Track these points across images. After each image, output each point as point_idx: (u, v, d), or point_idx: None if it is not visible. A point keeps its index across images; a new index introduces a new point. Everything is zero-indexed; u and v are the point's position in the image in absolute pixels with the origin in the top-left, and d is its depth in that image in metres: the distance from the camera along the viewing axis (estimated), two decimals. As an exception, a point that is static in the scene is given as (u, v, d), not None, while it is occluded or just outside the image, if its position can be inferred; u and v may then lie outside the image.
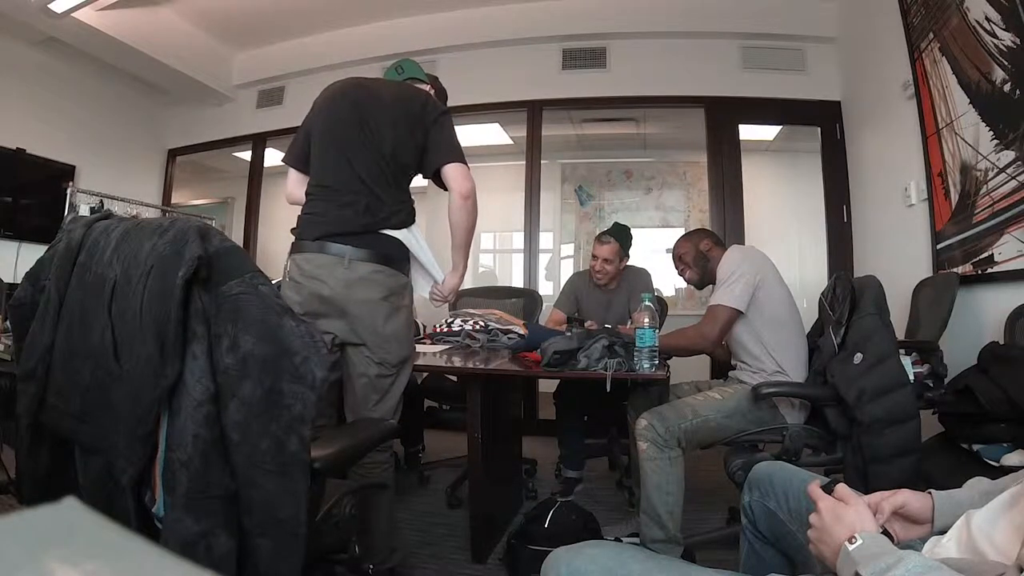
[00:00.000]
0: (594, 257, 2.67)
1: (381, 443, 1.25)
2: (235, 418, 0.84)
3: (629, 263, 2.77)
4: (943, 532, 0.77)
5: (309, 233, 1.56)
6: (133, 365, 0.85)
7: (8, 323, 1.07)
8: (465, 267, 1.79)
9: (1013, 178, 1.91)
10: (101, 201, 3.93)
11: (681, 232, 2.25)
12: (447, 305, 3.09)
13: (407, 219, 1.65)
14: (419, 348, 2.28)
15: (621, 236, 2.64)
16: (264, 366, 0.86)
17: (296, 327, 0.88)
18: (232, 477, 0.85)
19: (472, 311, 2.45)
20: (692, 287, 2.19)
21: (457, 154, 1.65)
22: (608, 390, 1.63)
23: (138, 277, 0.85)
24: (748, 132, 4.00)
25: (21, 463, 0.98)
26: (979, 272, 2.12)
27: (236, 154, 4.85)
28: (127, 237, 0.91)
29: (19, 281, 1.05)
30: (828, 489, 0.78)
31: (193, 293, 0.84)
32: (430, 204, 5.81)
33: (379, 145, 1.58)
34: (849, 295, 1.69)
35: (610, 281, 2.69)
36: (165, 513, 0.83)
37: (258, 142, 4.58)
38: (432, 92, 1.81)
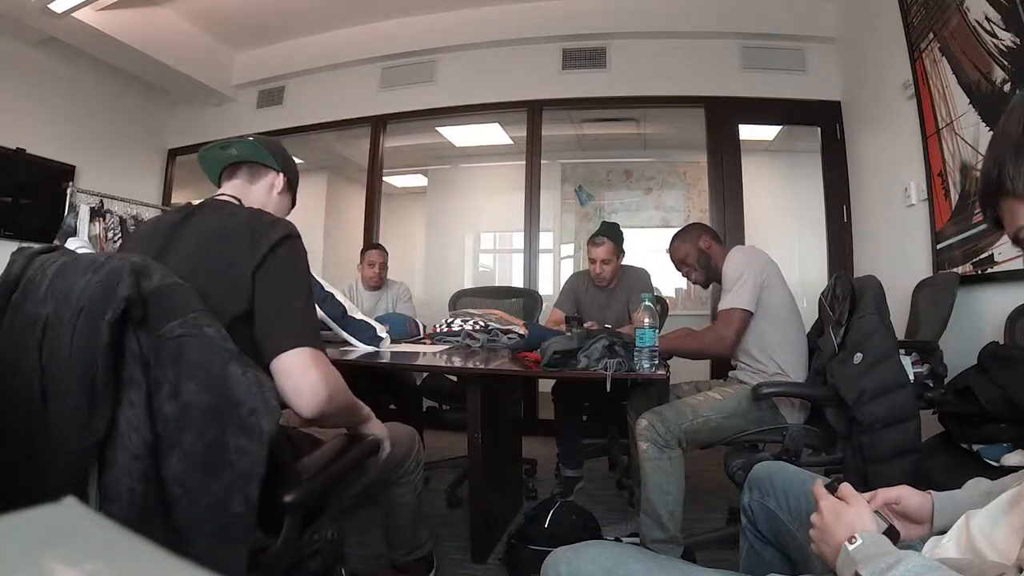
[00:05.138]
0: (592, 261, 2.66)
1: (363, 461, 1.14)
2: (177, 470, 0.77)
3: (628, 263, 2.77)
4: (943, 532, 0.77)
5: None
6: (61, 413, 0.77)
7: None
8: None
9: (1013, 178, 1.90)
10: (101, 201, 3.93)
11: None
12: (447, 304, 3.12)
13: None
14: (419, 348, 2.28)
15: (612, 234, 2.64)
16: (207, 416, 0.79)
17: (243, 375, 0.82)
18: (175, 533, 0.78)
19: (472, 311, 2.45)
20: (695, 286, 2.18)
21: None
22: (608, 390, 1.63)
23: (68, 317, 0.78)
24: (748, 132, 4.00)
25: None
26: (979, 272, 2.12)
27: (236, 154, 4.85)
28: (62, 273, 0.83)
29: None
30: (832, 488, 0.78)
31: (128, 335, 0.77)
32: (430, 205, 5.83)
33: None
34: (849, 295, 1.69)
35: (609, 281, 2.69)
36: None
37: (258, 142, 4.58)
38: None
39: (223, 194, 1.23)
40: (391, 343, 2.25)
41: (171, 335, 0.79)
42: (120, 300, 0.75)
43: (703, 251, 2.03)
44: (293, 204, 1.36)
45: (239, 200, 1.20)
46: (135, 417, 0.76)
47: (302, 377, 0.97)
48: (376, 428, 1.24)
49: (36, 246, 0.92)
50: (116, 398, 0.76)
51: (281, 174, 1.29)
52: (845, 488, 0.77)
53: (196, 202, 1.19)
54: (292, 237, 1.06)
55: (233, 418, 0.80)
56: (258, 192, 1.26)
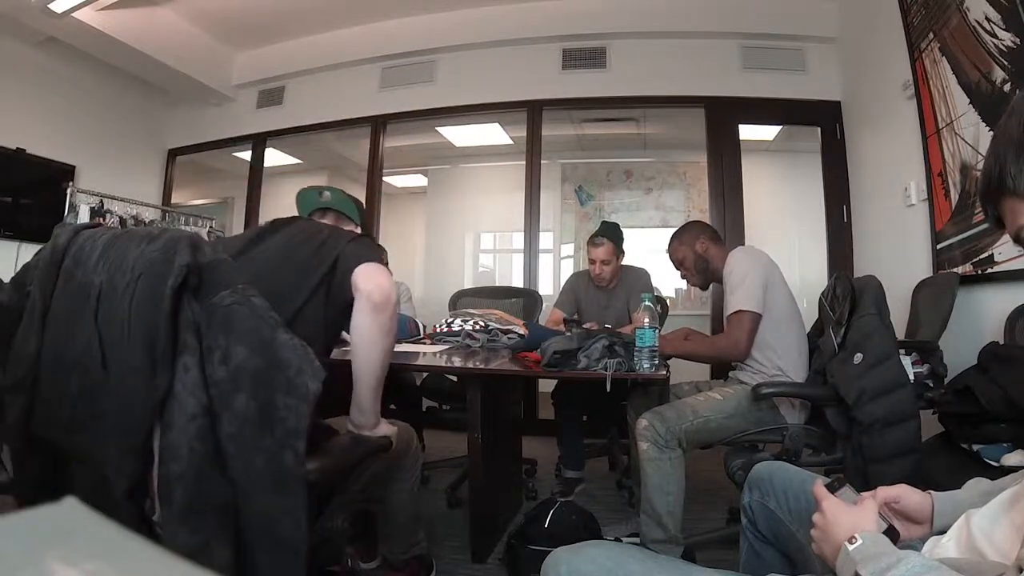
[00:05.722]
0: (592, 261, 2.67)
1: (373, 455, 1.22)
2: (229, 431, 0.83)
3: (628, 263, 2.77)
4: (943, 532, 0.77)
5: None
6: (122, 375, 0.82)
7: None
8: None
9: (1013, 178, 1.91)
10: (101, 201, 3.92)
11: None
12: (447, 304, 3.12)
13: None
14: (419, 348, 2.28)
15: (612, 234, 2.64)
16: (257, 379, 0.84)
17: (289, 340, 0.87)
18: (231, 488, 0.84)
19: (472, 311, 2.45)
20: (695, 287, 2.18)
21: None
22: (608, 390, 1.63)
23: (124, 284, 0.83)
24: (748, 132, 4.00)
25: (16, 471, 0.96)
26: (979, 272, 2.12)
27: (236, 154, 4.85)
28: (113, 244, 0.90)
29: (19, 283, 1.03)
30: (833, 488, 0.78)
31: (183, 303, 0.82)
32: (430, 205, 5.83)
33: None
34: (849, 295, 1.69)
35: (609, 281, 2.69)
36: (163, 524, 0.82)
37: (258, 142, 4.58)
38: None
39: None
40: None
41: (222, 303, 0.84)
42: (180, 268, 0.80)
43: (700, 255, 2.03)
44: None
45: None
46: (191, 381, 0.81)
47: (381, 277, 1.15)
48: (385, 429, 1.31)
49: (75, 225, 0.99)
50: (173, 363, 0.81)
51: (359, 228, 1.54)
52: (864, 496, 0.77)
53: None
54: (372, 237, 1.31)
55: (281, 379, 0.86)
56: None
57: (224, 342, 0.83)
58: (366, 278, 1.14)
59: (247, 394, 0.83)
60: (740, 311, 1.83)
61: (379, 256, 1.23)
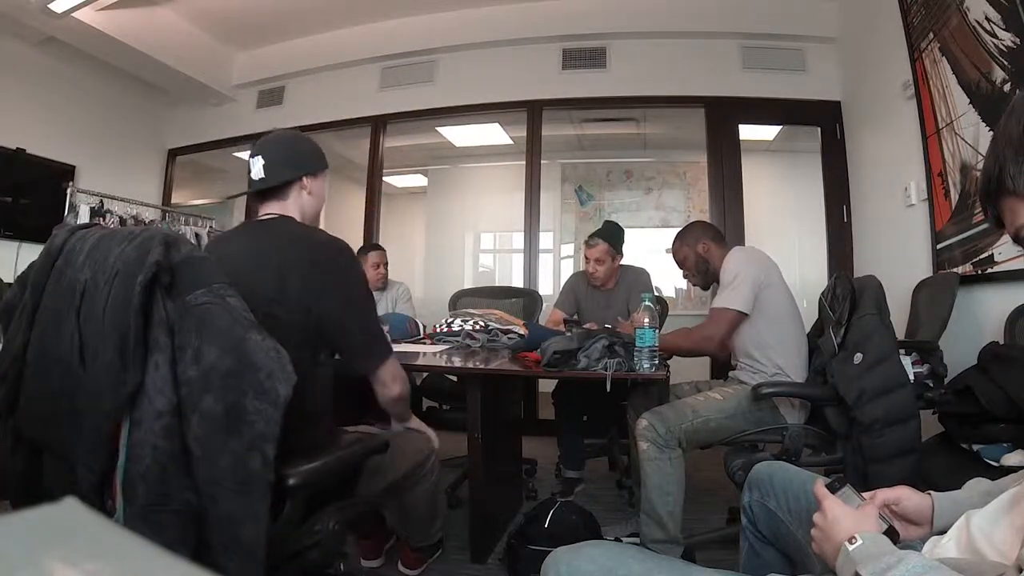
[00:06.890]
0: (587, 260, 2.68)
1: (366, 457, 1.20)
2: (196, 432, 0.83)
3: (628, 263, 2.76)
4: (943, 532, 0.77)
5: None
6: (96, 371, 0.83)
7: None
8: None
9: (1013, 178, 1.90)
10: (101, 201, 3.92)
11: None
12: (447, 304, 3.12)
13: None
14: (419, 348, 2.28)
15: (608, 234, 2.64)
16: (227, 380, 0.84)
17: (262, 342, 0.86)
18: (195, 493, 0.83)
19: (472, 311, 2.45)
20: (695, 286, 2.19)
21: None
22: (608, 390, 1.63)
23: (104, 282, 0.84)
24: (748, 132, 4.00)
25: (5, 465, 0.97)
26: (979, 272, 2.12)
27: (236, 154, 4.85)
28: (99, 243, 0.91)
29: (21, 282, 1.04)
30: (834, 488, 0.78)
31: (156, 301, 0.82)
32: (430, 205, 5.83)
33: None
34: (849, 295, 1.69)
35: (608, 280, 2.69)
36: (123, 523, 0.82)
37: (258, 142, 4.58)
38: None
39: (268, 213, 1.31)
40: (391, 343, 2.24)
41: (196, 302, 0.84)
42: (151, 265, 0.80)
43: (700, 256, 2.03)
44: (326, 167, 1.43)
45: (281, 214, 1.30)
46: (160, 379, 0.81)
47: (397, 375, 1.32)
48: (416, 423, 1.50)
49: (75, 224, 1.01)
50: (144, 360, 0.81)
51: (303, 177, 1.33)
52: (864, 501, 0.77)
53: (255, 220, 1.34)
54: (348, 254, 1.23)
55: (252, 381, 0.85)
56: (292, 207, 1.32)
57: (196, 342, 0.83)
58: (388, 383, 1.31)
59: (215, 395, 0.83)
60: (723, 308, 1.85)
61: (381, 334, 1.33)
